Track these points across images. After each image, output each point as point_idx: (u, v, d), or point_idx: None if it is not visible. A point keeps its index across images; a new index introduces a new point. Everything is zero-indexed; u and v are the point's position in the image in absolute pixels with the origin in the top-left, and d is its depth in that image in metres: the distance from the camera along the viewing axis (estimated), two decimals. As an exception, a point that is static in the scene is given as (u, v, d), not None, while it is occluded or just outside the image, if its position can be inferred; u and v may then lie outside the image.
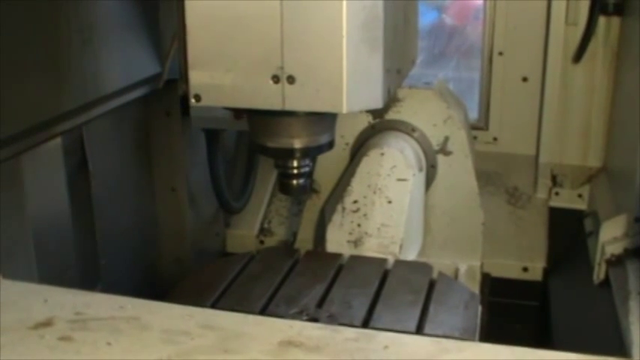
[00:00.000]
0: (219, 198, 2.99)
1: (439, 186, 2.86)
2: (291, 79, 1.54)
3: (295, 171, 1.84)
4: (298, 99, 1.56)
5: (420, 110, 2.81)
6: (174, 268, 2.92)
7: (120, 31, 2.36)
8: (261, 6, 1.54)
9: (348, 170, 2.74)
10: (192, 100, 1.61)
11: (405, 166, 2.57)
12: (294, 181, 1.86)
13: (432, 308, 2.09)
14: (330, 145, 1.82)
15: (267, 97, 1.56)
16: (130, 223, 2.74)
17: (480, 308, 2.19)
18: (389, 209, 2.52)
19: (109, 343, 1.04)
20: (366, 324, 1.99)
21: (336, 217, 2.52)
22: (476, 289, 2.72)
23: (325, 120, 1.76)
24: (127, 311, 1.13)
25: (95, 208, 2.43)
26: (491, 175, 3.36)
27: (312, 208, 2.99)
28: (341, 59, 1.52)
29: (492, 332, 2.51)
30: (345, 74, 1.53)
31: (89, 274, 2.42)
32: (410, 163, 2.60)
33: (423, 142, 2.81)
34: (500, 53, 3.36)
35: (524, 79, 3.37)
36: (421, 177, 2.72)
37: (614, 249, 2.40)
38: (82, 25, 2.14)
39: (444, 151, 2.83)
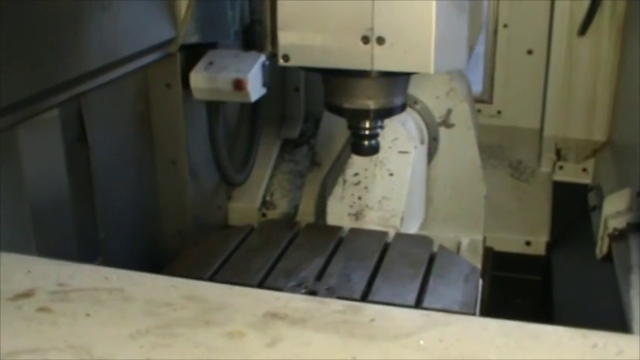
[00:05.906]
0: (220, 170, 2.98)
1: (441, 159, 2.83)
2: (380, 40, 1.59)
3: (367, 132, 1.88)
4: (387, 59, 1.60)
5: (423, 82, 2.78)
6: (176, 242, 2.91)
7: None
8: (351, -31, 1.59)
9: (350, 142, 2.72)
10: (281, 60, 1.64)
11: (406, 139, 2.55)
12: (366, 142, 1.92)
13: (431, 281, 2.08)
14: (402, 107, 1.86)
15: (356, 58, 1.61)
16: (130, 196, 2.73)
17: (480, 282, 2.18)
18: (390, 182, 2.50)
19: (87, 315, 1.03)
20: (365, 297, 1.99)
21: (337, 190, 2.51)
22: (478, 263, 2.70)
23: (400, 83, 1.80)
24: (112, 282, 1.12)
25: (94, 181, 2.42)
26: (495, 148, 3.34)
27: (314, 180, 2.97)
28: (431, 21, 1.57)
29: (494, 307, 2.51)
30: (434, 36, 1.57)
31: (88, 248, 2.41)
32: (411, 135, 2.58)
33: (425, 115, 2.78)
34: (505, 26, 3.33)
35: (529, 52, 3.34)
36: (423, 150, 2.69)
37: (617, 223, 2.39)
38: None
39: (446, 123, 2.80)
